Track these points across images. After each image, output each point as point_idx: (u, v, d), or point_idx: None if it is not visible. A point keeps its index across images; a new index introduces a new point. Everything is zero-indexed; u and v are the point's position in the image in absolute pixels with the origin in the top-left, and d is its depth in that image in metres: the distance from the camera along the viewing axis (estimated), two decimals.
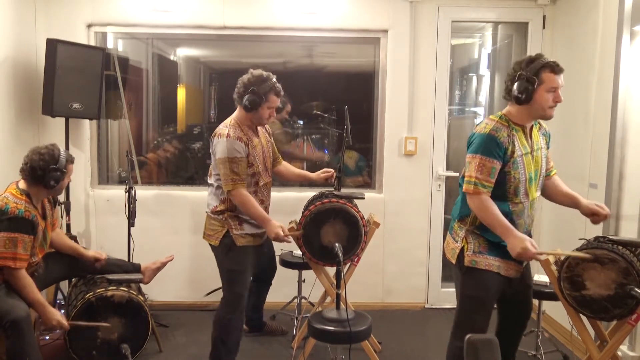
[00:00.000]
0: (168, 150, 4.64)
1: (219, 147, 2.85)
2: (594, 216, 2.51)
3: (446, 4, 4.11)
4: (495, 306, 2.59)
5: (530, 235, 2.53)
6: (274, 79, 2.92)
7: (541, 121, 2.56)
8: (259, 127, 3.07)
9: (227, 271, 2.99)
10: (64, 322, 2.82)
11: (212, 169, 3.01)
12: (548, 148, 2.58)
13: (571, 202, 2.58)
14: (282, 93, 2.96)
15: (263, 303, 3.60)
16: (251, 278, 3.12)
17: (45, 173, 2.74)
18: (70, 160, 2.87)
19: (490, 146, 2.32)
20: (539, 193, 2.51)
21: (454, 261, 2.52)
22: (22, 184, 2.81)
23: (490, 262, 2.43)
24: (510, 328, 2.67)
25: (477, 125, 2.50)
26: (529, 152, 2.41)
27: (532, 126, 2.47)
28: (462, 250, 2.47)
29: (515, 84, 2.35)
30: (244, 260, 2.97)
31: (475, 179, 2.34)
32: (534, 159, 2.43)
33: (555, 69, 2.32)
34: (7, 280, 2.72)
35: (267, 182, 3.08)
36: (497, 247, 2.42)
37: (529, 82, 2.31)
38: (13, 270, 2.68)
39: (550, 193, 2.63)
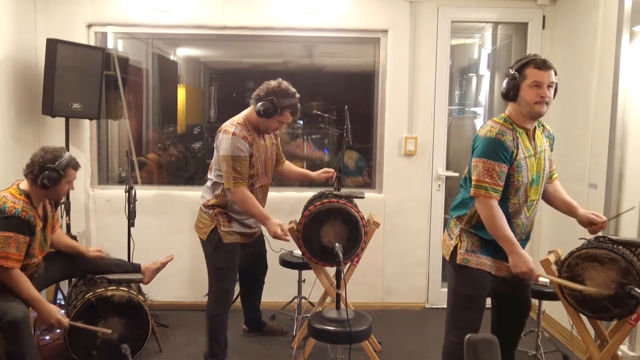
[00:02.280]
0: (172, 154, 4.65)
1: (224, 144, 2.88)
2: (592, 225, 2.51)
3: (446, 4, 4.11)
4: (490, 304, 2.60)
5: (528, 237, 2.54)
6: (297, 97, 2.94)
7: (545, 123, 2.57)
8: None
9: (215, 268, 3.06)
10: (63, 320, 2.82)
11: (213, 163, 3.04)
12: (552, 150, 2.58)
13: (568, 210, 2.59)
14: (299, 114, 3.00)
15: (259, 303, 3.61)
16: (238, 274, 3.15)
17: (41, 171, 2.74)
18: (72, 165, 2.85)
19: (498, 150, 2.33)
20: (539, 196, 2.51)
21: (447, 258, 2.55)
22: (22, 185, 2.81)
23: (482, 261, 2.45)
24: (509, 327, 2.67)
25: (481, 127, 2.50)
26: (532, 154, 2.41)
27: (535, 128, 2.47)
28: (455, 247, 2.49)
29: (504, 82, 2.41)
30: (232, 258, 3.04)
31: (486, 184, 2.33)
32: (536, 161, 2.42)
33: (539, 64, 2.33)
34: (2, 281, 2.72)
35: (264, 185, 3.10)
36: (489, 245, 2.43)
37: (513, 78, 2.35)
38: (5, 269, 2.66)
39: (549, 197, 2.63)
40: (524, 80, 2.34)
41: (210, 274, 3.09)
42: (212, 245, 3.00)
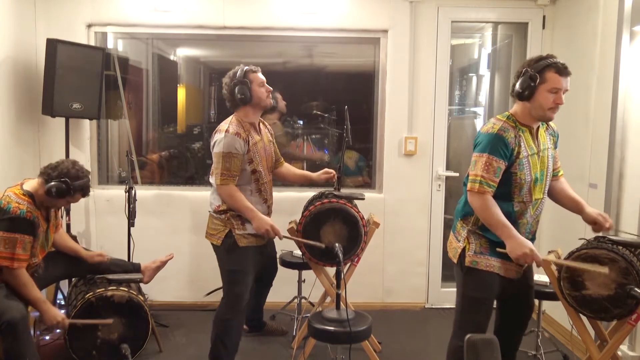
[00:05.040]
0: (173, 157, 4.66)
1: (218, 142, 2.87)
2: (596, 225, 2.51)
3: (446, 4, 4.11)
4: (495, 305, 2.60)
5: (534, 237, 2.53)
6: (242, 66, 2.95)
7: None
8: (261, 127, 3.09)
9: (228, 271, 2.98)
10: (64, 321, 2.82)
11: (213, 167, 3.02)
12: (555, 148, 2.58)
13: (575, 207, 2.58)
14: (258, 69, 2.98)
15: (263, 303, 3.60)
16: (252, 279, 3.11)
17: (57, 177, 2.75)
18: (83, 191, 2.87)
19: (498, 146, 2.32)
20: (544, 194, 2.50)
21: (455, 260, 2.52)
22: (27, 185, 2.80)
23: (491, 263, 2.43)
24: (511, 328, 2.67)
25: (483, 125, 2.50)
26: (535, 152, 2.40)
27: (539, 126, 2.47)
28: (463, 250, 2.48)
29: (519, 80, 2.37)
30: (246, 261, 2.96)
31: (481, 178, 2.34)
32: (540, 159, 2.42)
33: (560, 70, 2.31)
34: (7, 281, 2.72)
35: (269, 181, 3.08)
36: (498, 247, 2.42)
37: (532, 79, 2.32)
38: (12, 270, 2.68)
39: (555, 195, 2.62)
40: (542, 84, 2.31)
41: (223, 278, 3.01)
42: (227, 248, 2.92)
